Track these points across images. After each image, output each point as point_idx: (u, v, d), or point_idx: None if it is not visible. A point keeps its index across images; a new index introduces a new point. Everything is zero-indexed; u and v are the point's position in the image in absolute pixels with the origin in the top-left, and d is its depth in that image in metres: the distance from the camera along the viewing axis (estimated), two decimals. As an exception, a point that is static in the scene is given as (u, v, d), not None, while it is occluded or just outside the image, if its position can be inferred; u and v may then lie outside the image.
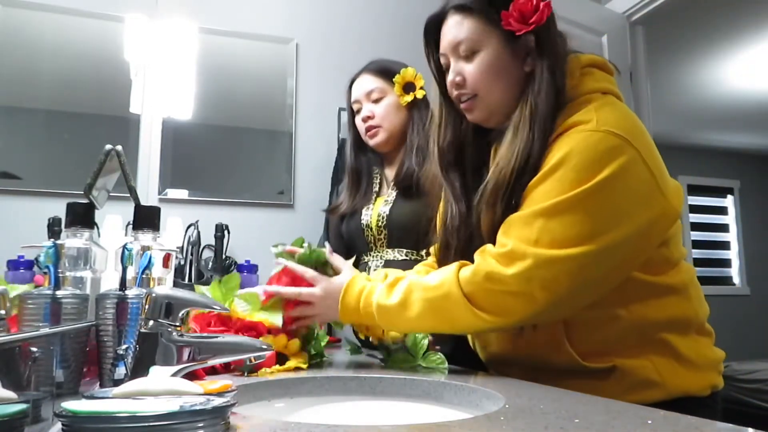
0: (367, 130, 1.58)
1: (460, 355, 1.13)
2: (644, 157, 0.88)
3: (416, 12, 2.49)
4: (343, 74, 2.40)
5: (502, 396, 0.74)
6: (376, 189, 1.63)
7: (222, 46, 2.24)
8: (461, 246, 1.04)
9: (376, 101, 1.58)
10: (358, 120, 1.61)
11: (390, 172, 1.61)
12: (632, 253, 0.89)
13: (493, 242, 0.93)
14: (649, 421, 0.59)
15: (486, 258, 0.91)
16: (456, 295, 0.91)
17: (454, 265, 0.95)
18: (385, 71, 1.60)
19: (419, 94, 1.55)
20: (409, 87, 1.57)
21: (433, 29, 1.05)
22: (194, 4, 2.21)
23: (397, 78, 1.56)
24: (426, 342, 1.05)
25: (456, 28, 0.99)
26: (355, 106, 1.63)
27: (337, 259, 1.12)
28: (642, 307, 0.92)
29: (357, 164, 1.65)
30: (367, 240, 1.58)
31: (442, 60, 1.03)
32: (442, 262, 1.07)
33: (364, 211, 1.59)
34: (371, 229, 1.55)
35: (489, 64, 0.97)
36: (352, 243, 1.62)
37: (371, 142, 1.59)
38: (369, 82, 1.60)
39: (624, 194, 0.86)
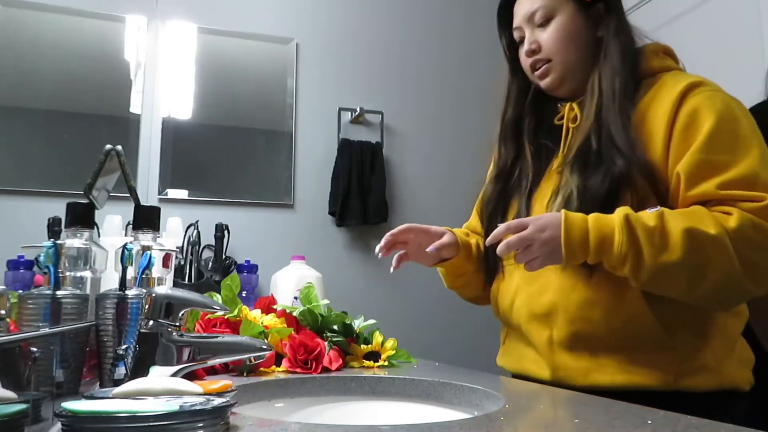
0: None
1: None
2: None
3: (416, 11, 2.50)
4: (343, 74, 2.42)
5: (502, 396, 0.74)
6: None
7: (222, 46, 2.24)
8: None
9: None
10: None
11: None
12: None
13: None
14: (649, 421, 0.58)
15: (742, 213, 0.82)
16: (720, 236, 0.80)
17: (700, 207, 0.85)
18: None
19: None
20: None
21: (506, 6, 1.09)
22: (194, 4, 2.22)
23: None
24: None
25: (531, 1, 1.03)
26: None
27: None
28: None
29: None
30: None
31: (516, 34, 1.07)
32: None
33: None
34: None
35: (564, 28, 1.00)
36: None
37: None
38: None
39: None
